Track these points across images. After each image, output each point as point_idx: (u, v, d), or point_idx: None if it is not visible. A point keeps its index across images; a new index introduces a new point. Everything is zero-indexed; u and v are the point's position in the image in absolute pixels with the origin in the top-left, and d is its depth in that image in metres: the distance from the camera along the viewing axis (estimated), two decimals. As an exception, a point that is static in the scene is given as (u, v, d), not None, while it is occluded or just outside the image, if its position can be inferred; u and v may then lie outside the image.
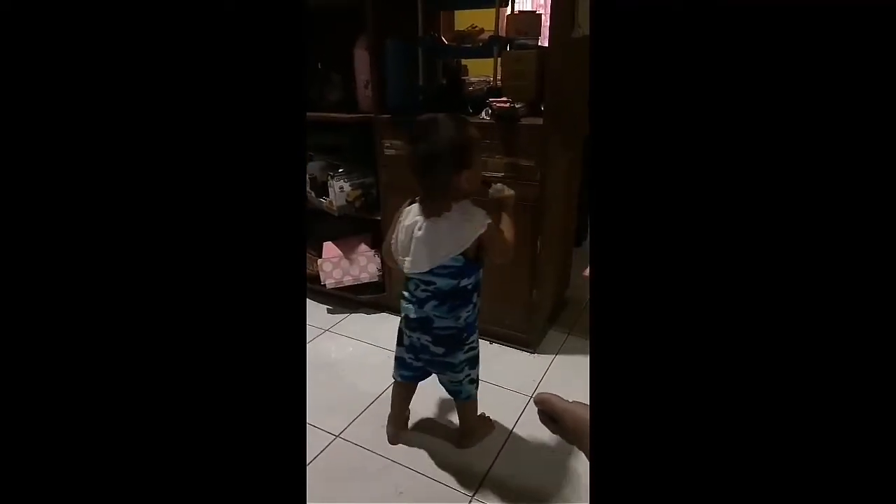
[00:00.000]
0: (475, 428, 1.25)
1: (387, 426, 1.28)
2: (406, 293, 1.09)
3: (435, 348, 1.09)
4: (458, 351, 1.09)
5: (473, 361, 1.14)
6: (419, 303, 1.06)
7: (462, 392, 1.16)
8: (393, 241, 1.05)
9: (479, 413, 1.28)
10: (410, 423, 1.32)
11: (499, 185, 1.06)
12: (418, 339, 1.10)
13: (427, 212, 0.99)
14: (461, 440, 1.24)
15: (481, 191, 1.04)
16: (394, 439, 1.27)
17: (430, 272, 1.01)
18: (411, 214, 1.01)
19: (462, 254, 0.98)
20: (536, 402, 0.60)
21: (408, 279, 1.07)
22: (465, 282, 1.03)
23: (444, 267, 1.00)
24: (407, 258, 1.01)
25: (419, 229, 0.98)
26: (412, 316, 1.08)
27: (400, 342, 1.17)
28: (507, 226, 1.04)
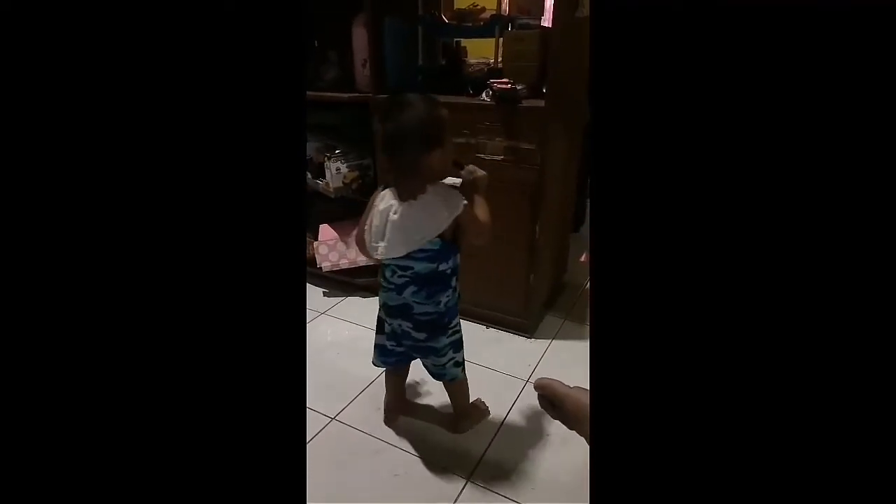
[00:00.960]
0: (468, 412, 1.25)
1: (384, 413, 1.29)
2: (383, 280, 1.07)
3: (417, 334, 1.08)
4: (441, 335, 1.09)
5: (457, 345, 1.14)
6: (397, 289, 1.05)
7: (447, 375, 1.15)
8: (367, 228, 1.03)
9: (474, 398, 1.28)
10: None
11: (471, 166, 1.04)
12: (399, 325, 1.09)
13: (402, 195, 0.97)
14: (455, 424, 1.25)
15: (453, 172, 1.03)
16: (390, 423, 1.28)
17: (408, 257, 0.99)
18: (385, 199, 0.99)
19: (439, 236, 0.97)
20: (537, 388, 0.59)
21: (384, 266, 1.05)
22: (443, 266, 1.02)
23: (422, 251, 0.98)
24: (381, 243, 0.99)
25: (394, 213, 0.96)
26: (391, 303, 1.07)
27: (380, 330, 1.15)
28: (482, 207, 1.02)
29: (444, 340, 1.10)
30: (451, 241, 1.00)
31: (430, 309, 1.05)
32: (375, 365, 1.20)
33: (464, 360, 1.18)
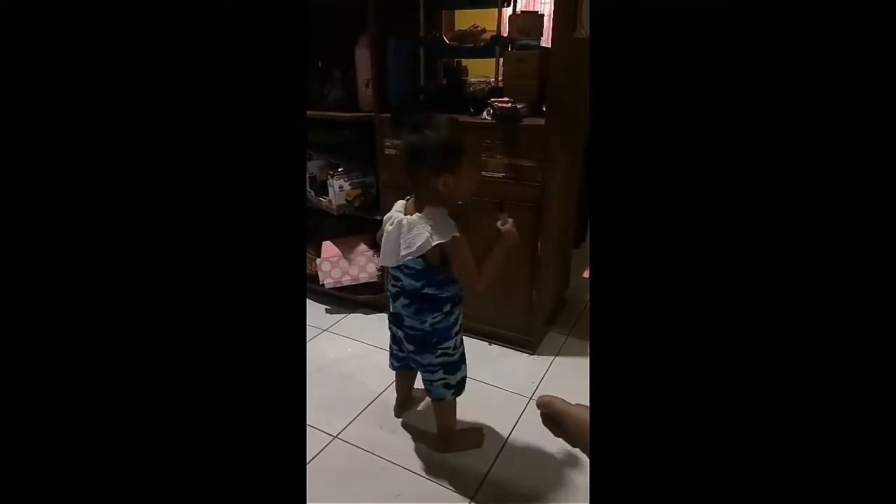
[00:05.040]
0: (452, 434, 1.22)
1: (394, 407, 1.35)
2: (388, 286, 1.12)
3: (407, 345, 1.11)
4: (428, 353, 1.08)
5: (450, 367, 1.11)
6: (393, 297, 1.09)
7: (433, 392, 1.15)
8: (381, 234, 1.08)
9: (478, 425, 1.27)
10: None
11: (506, 222, 1.03)
12: (396, 331, 1.13)
13: (407, 209, 1.01)
14: (437, 443, 1.23)
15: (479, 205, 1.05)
16: (397, 413, 1.34)
17: (398, 268, 1.03)
18: (395, 208, 1.04)
19: (423, 258, 0.97)
20: (539, 405, 0.59)
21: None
22: (429, 289, 1.01)
23: (408, 267, 1.01)
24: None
25: (390, 224, 1.00)
26: (391, 310, 1.12)
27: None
28: (493, 259, 1.01)
29: (432, 359, 1.09)
30: (437, 266, 0.99)
31: (416, 324, 1.06)
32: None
33: (459, 385, 1.15)
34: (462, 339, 1.14)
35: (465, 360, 1.15)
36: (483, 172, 1.45)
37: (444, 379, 1.12)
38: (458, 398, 1.17)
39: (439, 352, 1.09)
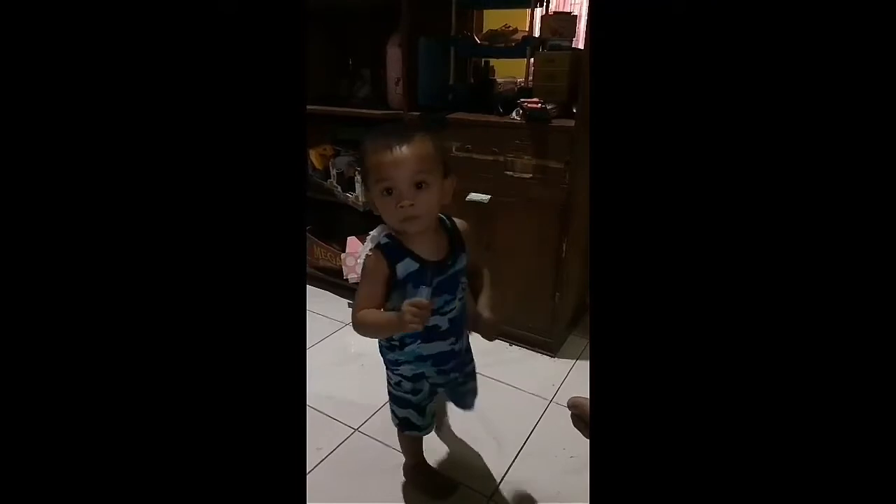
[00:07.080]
0: (409, 470, 1.15)
1: None
2: None
3: None
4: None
5: (394, 399, 1.02)
6: None
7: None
8: None
9: (450, 480, 1.14)
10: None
11: (424, 297, 0.78)
12: None
13: None
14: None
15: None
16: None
17: None
18: None
19: None
20: (570, 406, 0.59)
21: None
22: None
23: None
24: None
25: None
26: None
27: None
28: (375, 315, 0.87)
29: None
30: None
31: None
32: None
33: (403, 423, 1.04)
34: (418, 392, 1.00)
35: (419, 411, 1.02)
36: (510, 172, 1.46)
37: (392, 406, 1.05)
38: (427, 435, 1.09)
39: (388, 375, 1.02)
